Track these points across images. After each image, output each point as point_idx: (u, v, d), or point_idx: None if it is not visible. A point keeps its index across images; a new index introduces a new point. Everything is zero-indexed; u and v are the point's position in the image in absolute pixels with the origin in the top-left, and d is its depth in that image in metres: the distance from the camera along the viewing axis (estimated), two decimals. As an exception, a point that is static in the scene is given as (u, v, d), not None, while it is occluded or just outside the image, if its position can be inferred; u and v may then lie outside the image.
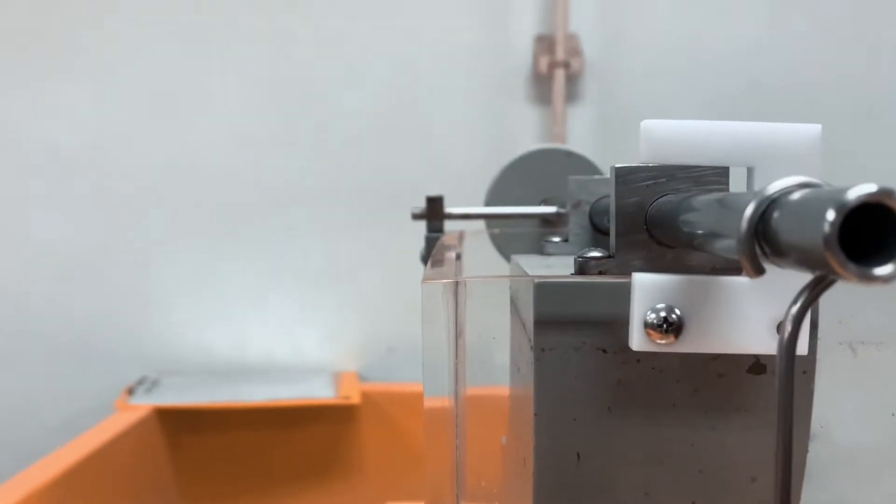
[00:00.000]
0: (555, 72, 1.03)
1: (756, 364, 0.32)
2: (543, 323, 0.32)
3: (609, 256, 0.32)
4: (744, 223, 0.21)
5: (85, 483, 0.72)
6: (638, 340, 0.28)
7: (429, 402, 0.29)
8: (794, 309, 0.21)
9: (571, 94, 1.05)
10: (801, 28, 1.04)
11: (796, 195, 0.20)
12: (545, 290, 0.32)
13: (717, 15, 1.04)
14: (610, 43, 1.05)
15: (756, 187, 0.29)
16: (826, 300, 0.37)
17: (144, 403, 0.92)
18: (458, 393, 0.30)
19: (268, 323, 1.07)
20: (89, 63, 1.02)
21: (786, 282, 0.28)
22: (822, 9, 1.04)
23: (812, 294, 0.21)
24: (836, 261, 0.17)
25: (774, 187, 0.21)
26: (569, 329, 0.32)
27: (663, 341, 0.28)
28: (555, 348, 0.32)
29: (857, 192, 0.18)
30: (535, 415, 0.32)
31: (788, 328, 0.21)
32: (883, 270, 0.18)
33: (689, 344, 0.28)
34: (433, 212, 0.56)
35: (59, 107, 1.03)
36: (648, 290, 0.29)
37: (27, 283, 1.04)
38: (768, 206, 0.21)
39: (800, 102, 1.04)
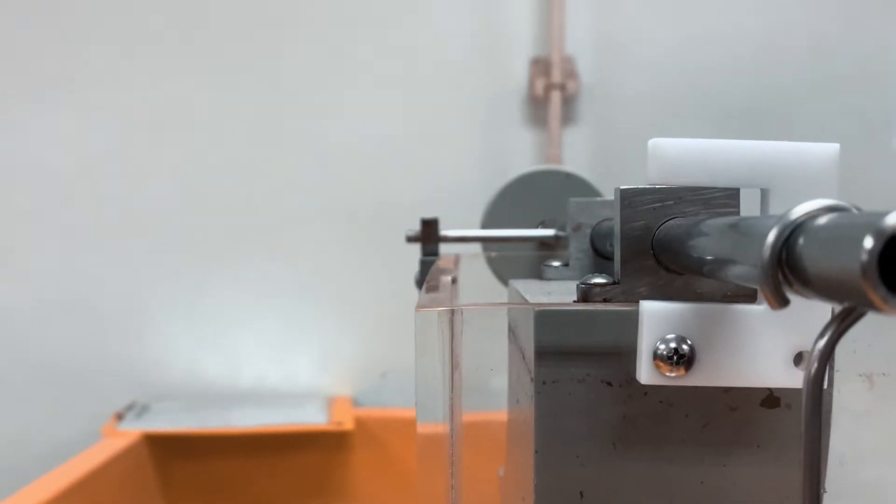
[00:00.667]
0: (551, 94, 1.02)
1: (769, 397, 0.30)
2: (544, 354, 0.30)
3: (614, 283, 0.31)
4: (766, 250, 0.19)
5: (68, 512, 0.70)
6: (647, 373, 0.27)
7: (423, 438, 0.28)
8: (821, 343, 0.20)
9: (567, 117, 1.04)
10: (799, 51, 1.03)
11: (823, 220, 0.19)
12: (546, 319, 0.30)
13: (715, 36, 1.03)
14: (606, 65, 1.04)
15: (771, 210, 0.27)
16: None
17: (133, 429, 0.89)
18: (455, 428, 0.28)
19: (261, 347, 1.05)
20: (81, 88, 1.01)
21: (802, 310, 0.26)
22: (821, 31, 1.03)
23: (841, 327, 0.19)
24: (875, 293, 0.16)
25: (799, 211, 0.19)
26: (571, 360, 0.30)
27: (674, 374, 0.27)
28: (557, 381, 0.30)
29: (897, 216, 0.16)
30: (536, 451, 0.31)
31: (815, 364, 0.19)
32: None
33: (701, 377, 0.26)
34: (428, 234, 0.55)
35: (51, 132, 1.01)
36: (658, 319, 0.27)
37: (16, 308, 1.02)
38: (793, 232, 0.19)
39: (801, 125, 1.03)
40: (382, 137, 1.03)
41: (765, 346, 0.26)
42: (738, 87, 1.03)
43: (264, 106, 1.02)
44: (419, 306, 0.28)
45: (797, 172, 0.27)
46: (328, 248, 1.04)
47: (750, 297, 0.28)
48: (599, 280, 0.31)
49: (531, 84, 1.03)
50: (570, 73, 1.03)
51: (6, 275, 1.02)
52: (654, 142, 0.27)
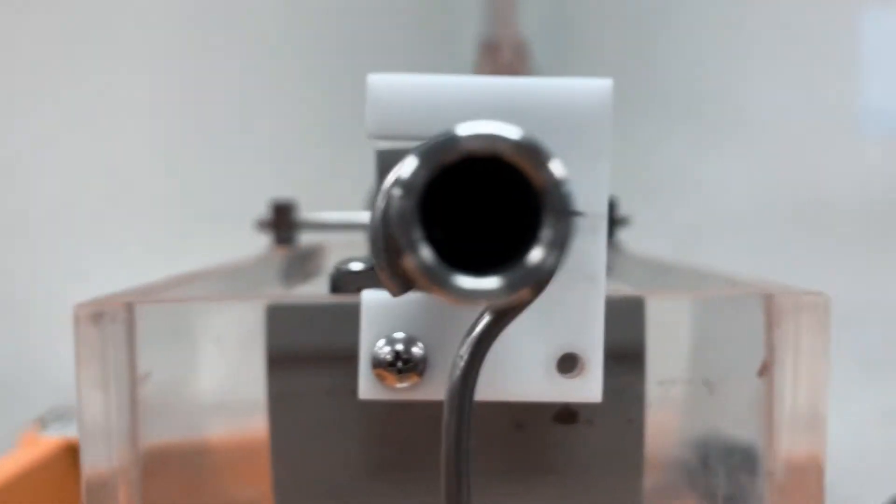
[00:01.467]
0: (499, 80, 0.96)
1: (564, 411, 0.24)
2: (280, 360, 0.24)
3: (370, 269, 0.24)
4: (379, 203, 0.13)
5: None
6: (365, 385, 0.20)
7: (92, 477, 0.21)
8: (471, 338, 0.13)
9: (518, 105, 0.98)
10: (761, 39, 0.97)
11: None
12: (280, 316, 0.24)
13: (676, 24, 0.98)
14: (560, 49, 0.98)
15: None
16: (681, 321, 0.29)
17: (58, 436, 0.83)
18: (139, 461, 0.22)
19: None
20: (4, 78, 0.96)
21: (577, 297, 0.20)
22: (784, 20, 0.97)
23: (502, 321, 0.13)
24: (407, 250, 0.09)
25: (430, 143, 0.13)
26: (315, 367, 0.24)
27: (405, 384, 0.20)
28: (296, 394, 0.24)
29: (460, 132, 0.10)
30: (274, 486, 0.24)
31: (460, 367, 0.13)
32: (473, 283, 0.09)
33: (432, 389, 0.20)
34: (281, 220, 0.48)
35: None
36: (383, 314, 0.20)
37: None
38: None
39: (762, 117, 0.97)
40: (322, 125, 0.97)
41: (520, 347, 0.20)
42: (698, 77, 0.97)
43: (190, 97, 0.97)
44: (78, 303, 0.21)
45: (561, 117, 0.20)
46: (264, 244, 0.98)
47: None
48: (355, 266, 0.25)
49: (478, 69, 0.97)
50: (522, 57, 0.97)
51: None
52: (372, 78, 0.21)
